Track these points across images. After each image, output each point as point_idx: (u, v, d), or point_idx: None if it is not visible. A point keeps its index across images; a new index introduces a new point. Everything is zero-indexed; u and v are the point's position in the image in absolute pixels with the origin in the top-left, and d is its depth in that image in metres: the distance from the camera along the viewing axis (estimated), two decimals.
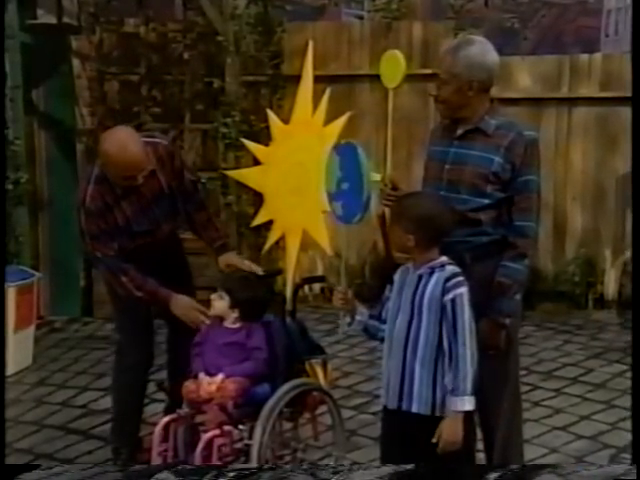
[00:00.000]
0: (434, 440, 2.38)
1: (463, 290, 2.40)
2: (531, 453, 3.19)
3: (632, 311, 2.94)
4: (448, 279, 2.41)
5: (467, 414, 2.44)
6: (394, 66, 2.77)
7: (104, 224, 3.04)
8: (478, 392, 2.59)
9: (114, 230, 3.08)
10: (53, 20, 5.27)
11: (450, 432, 2.38)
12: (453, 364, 2.38)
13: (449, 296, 2.39)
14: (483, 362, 2.52)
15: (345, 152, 2.62)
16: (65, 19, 5.31)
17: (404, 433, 2.47)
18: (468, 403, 2.38)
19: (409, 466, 2.38)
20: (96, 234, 3.05)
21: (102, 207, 3.04)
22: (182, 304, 3.07)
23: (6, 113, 4.93)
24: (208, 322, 3.04)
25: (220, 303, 2.97)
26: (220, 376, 2.86)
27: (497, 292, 2.60)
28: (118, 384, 3.37)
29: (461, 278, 2.42)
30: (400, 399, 2.47)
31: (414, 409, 2.44)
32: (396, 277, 2.56)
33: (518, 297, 2.65)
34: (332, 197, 2.67)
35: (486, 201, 2.60)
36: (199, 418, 2.89)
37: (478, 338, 2.50)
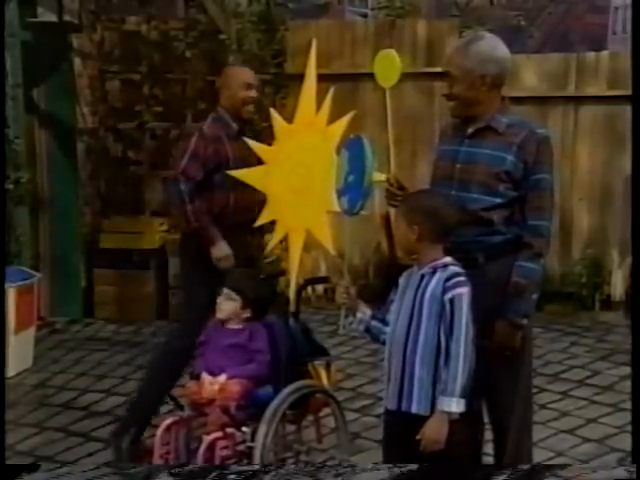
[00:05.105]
0: (417, 437, 2.36)
1: (463, 291, 2.38)
2: (538, 456, 3.14)
3: (632, 312, 2.90)
4: (448, 279, 2.40)
5: (474, 415, 2.40)
6: (389, 65, 2.76)
7: (211, 151, 3.31)
8: (491, 393, 2.58)
9: (216, 165, 3.31)
10: (54, 18, 5.24)
11: (432, 431, 2.36)
12: (447, 364, 2.36)
13: (448, 296, 2.38)
14: (497, 362, 2.51)
15: (353, 145, 2.65)
16: (66, 17, 5.29)
17: (404, 433, 2.44)
18: (455, 405, 2.35)
19: (413, 467, 2.35)
20: (195, 155, 3.33)
21: (216, 137, 3.37)
22: (221, 249, 3.29)
23: (6, 112, 4.90)
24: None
25: (229, 304, 2.93)
26: (223, 376, 2.84)
27: (514, 292, 2.56)
28: (160, 366, 3.43)
29: (462, 278, 2.41)
30: (400, 399, 2.45)
31: (413, 409, 2.43)
32: (401, 280, 2.54)
33: (534, 297, 2.61)
34: (340, 193, 2.67)
35: (498, 200, 2.57)
36: (201, 420, 2.86)
37: (495, 339, 2.50)
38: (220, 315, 2.95)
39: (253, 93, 3.45)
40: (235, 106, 3.43)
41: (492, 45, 2.61)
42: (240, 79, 3.46)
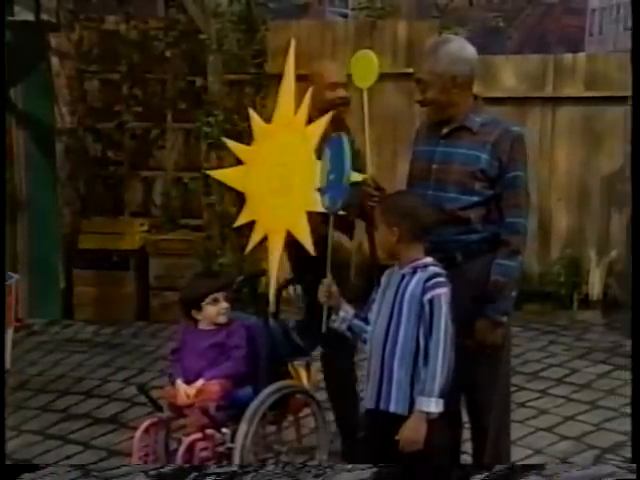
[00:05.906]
0: (396, 437, 2.37)
1: (442, 291, 2.39)
2: (516, 454, 3.17)
3: (632, 311, 2.92)
4: (428, 279, 2.41)
5: (453, 414, 2.41)
6: (366, 66, 2.77)
7: None
8: (470, 391, 2.59)
9: None
10: (31, 17, 5.19)
11: (410, 431, 2.36)
12: (426, 364, 2.37)
13: (427, 296, 2.39)
14: (476, 361, 2.53)
15: (334, 144, 2.65)
16: (43, 16, 5.24)
17: (383, 432, 2.44)
18: (434, 405, 2.35)
19: (393, 467, 2.36)
20: None
21: None
22: None
23: None
24: None
25: (220, 305, 2.92)
26: (199, 382, 2.82)
27: (493, 290, 2.58)
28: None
29: (442, 279, 2.42)
30: (378, 399, 2.46)
31: (392, 409, 2.43)
32: (383, 278, 2.55)
33: (513, 294, 2.63)
34: (322, 191, 2.68)
35: (475, 199, 2.59)
36: (180, 421, 2.85)
37: (476, 337, 2.52)
38: (223, 319, 2.92)
39: (342, 93, 3.08)
40: (325, 108, 2.98)
41: (460, 46, 2.63)
42: (326, 79, 3.10)
